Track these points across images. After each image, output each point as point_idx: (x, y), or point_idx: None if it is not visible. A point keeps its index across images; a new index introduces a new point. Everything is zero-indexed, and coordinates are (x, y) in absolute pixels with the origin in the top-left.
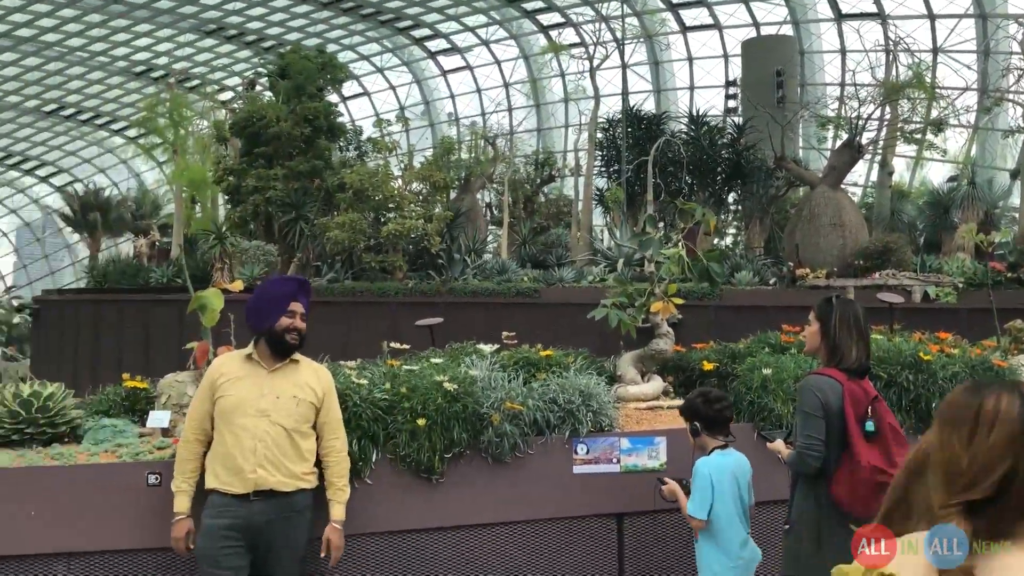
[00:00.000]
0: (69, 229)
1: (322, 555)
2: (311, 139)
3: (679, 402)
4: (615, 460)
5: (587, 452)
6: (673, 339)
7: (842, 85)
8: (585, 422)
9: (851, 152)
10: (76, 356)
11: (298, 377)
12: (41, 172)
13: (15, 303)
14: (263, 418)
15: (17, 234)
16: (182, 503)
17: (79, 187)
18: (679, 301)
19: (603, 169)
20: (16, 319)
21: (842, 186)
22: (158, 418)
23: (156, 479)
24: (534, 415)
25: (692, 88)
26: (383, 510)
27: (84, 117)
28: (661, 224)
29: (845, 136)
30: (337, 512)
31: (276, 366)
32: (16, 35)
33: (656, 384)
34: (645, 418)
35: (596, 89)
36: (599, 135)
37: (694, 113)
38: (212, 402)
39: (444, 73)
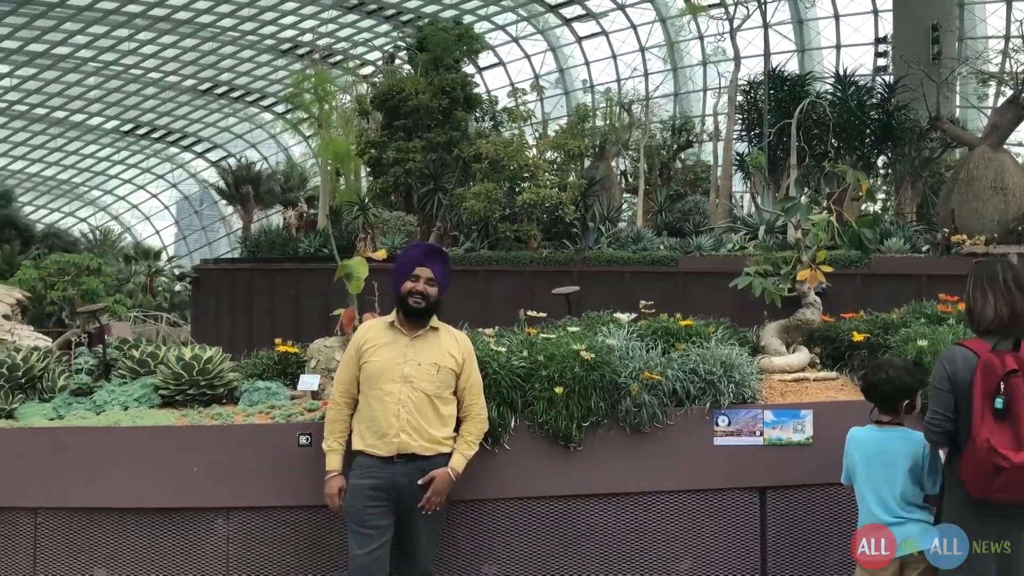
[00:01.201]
0: (224, 202)
1: (420, 482)
2: (448, 111)
3: (826, 374)
4: (758, 433)
5: (729, 424)
6: (821, 309)
7: (1007, 37)
8: (727, 393)
9: (1016, 109)
10: (232, 322)
11: (439, 344)
12: (198, 148)
13: (177, 272)
14: (405, 384)
15: (177, 207)
16: (334, 461)
17: (232, 162)
18: (827, 269)
19: (743, 133)
20: (178, 287)
21: (1005, 146)
22: (308, 382)
23: (307, 440)
24: (673, 385)
25: (838, 47)
26: (520, 476)
27: (236, 94)
28: (806, 189)
29: (1009, 92)
30: (457, 461)
31: (417, 333)
32: (175, 18)
33: (802, 355)
34: (791, 390)
35: (736, 51)
36: (739, 98)
37: (841, 72)
38: (358, 367)
39: (579, 40)
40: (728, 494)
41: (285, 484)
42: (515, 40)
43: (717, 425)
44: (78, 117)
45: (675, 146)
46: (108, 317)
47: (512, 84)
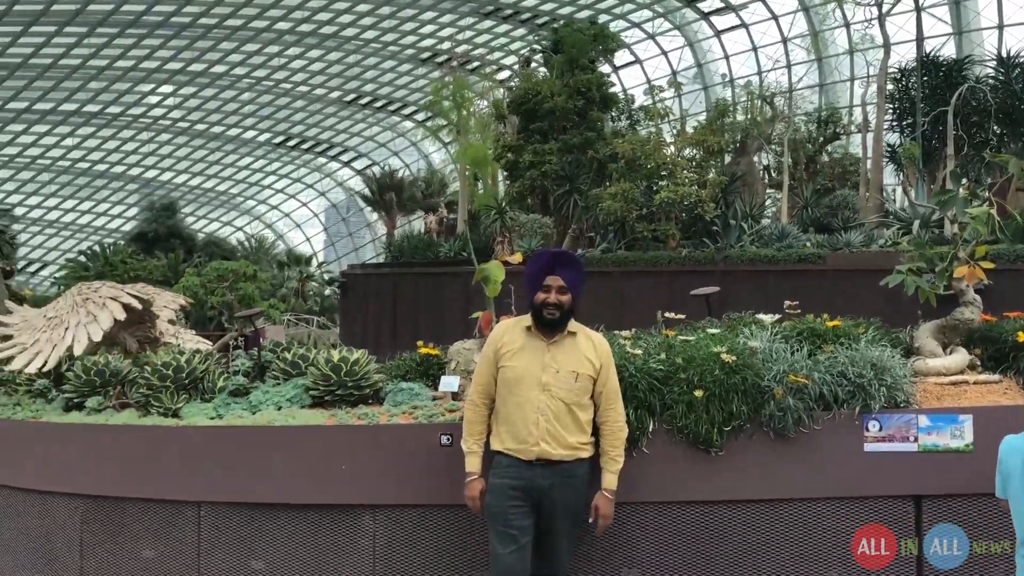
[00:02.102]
0: (369, 209)
1: (589, 520)
2: (584, 111)
3: (988, 377)
4: (912, 439)
5: (880, 429)
6: (980, 307)
7: None
8: (878, 397)
9: None
10: (377, 325)
11: (576, 350)
12: (344, 157)
13: (326, 277)
14: (544, 392)
15: (326, 215)
16: (473, 463)
17: (376, 170)
18: (988, 265)
19: (895, 123)
20: (327, 291)
21: None
22: (449, 383)
23: (448, 440)
24: (820, 389)
25: (1001, 27)
26: (659, 480)
27: (379, 104)
28: (964, 180)
29: None
30: (608, 481)
31: (554, 338)
32: (320, 33)
33: (960, 357)
34: (947, 394)
35: (886, 37)
36: (890, 87)
37: (1004, 55)
38: (495, 368)
39: (718, 33)
40: (880, 502)
41: (427, 483)
42: (651, 37)
43: (867, 430)
44: (234, 131)
45: (821, 139)
46: (263, 321)
47: (649, 81)
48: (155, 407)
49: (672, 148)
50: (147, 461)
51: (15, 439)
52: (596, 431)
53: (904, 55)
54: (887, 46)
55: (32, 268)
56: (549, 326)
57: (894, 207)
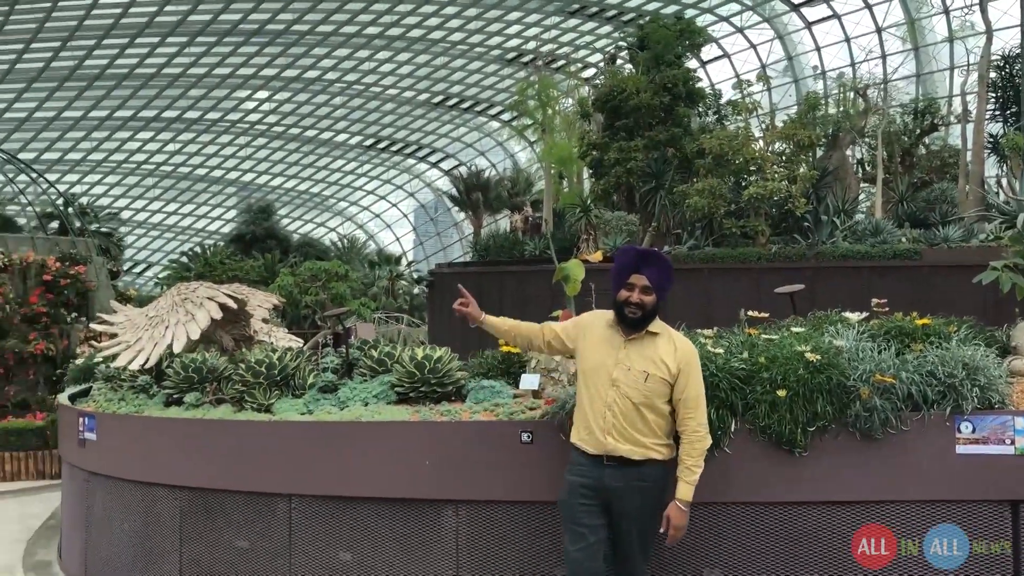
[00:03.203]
0: (456, 208)
1: (661, 530)
2: (670, 107)
3: None
4: (1008, 441)
5: (973, 431)
6: None
7: None
8: (970, 398)
9: None
10: (464, 323)
11: (654, 351)
12: (432, 158)
13: (415, 276)
14: (613, 387)
15: (415, 215)
16: (491, 317)
17: (463, 170)
18: None
19: (997, 113)
20: (416, 290)
21: None
22: (530, 381)
23: (528, 437)
24: (908, 389)
25: None
26: (741, 480)
27: (465, 105)
28: None
29: None
30: (683, 491)
31: (633, 336)
32: (409, 36)
33: None
34: None
35: (988, 23)
36: (992, 75)
37: None
38: (569, 337)
39: (808, 25)
40: (973, 506)
41: (508, 479)
42: (739, 31)
43: (960, 432)
44: (326, 135)
45: (918, 131)
46: (354, 319)
47: (737, 76)
48: (249, 403)
49: (761, 143)
50: (241, 455)
51: (120, 432)
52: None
53: (1008, 41)
54: (989, 32)
55: (137, 269)
56: (630, 325)
57: (996, 200)
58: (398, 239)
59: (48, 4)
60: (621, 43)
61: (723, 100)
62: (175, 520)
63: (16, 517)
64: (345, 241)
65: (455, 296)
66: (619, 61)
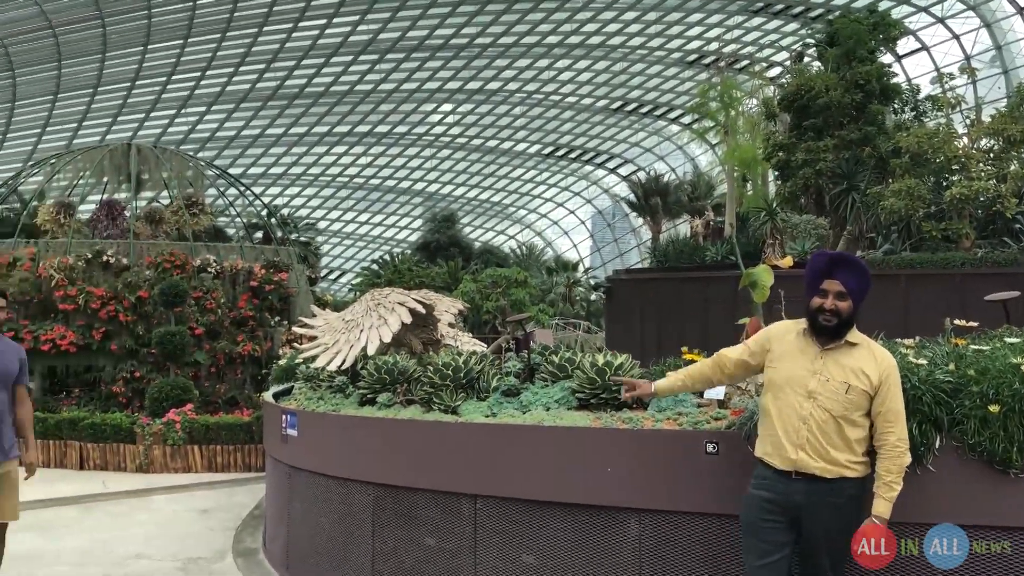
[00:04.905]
0: (634, 214)
1: (854, 549)
2: (862, 105)
3: None
4: None
5: None
6: None
7: None
8: None
9: None
10: (642, 329)
11: (853, 361)
12: (610, 164)
13: (592, 283)
14: (809, 400)
15: (592, 221)
16: (662, 382)
17: (641, 175)
18: None
19: None
20: (593, 296)
21: None
22: (715, 391)
23: (713, 448)
24: None
25: None
26: (946, 501)
27: (644, 110)
28: None
29: None
30: (881, 507)
31: (829, 346)
32: (588, 43)
33: None
34: None
35: None
36: None
37: None
38: (752, 355)
39: (1021, 11)
40: None
41: (692, 490)
42: (940, 21)
43: None
44: (507, 144)
45: None
46: (533, 325)
47: (937, 69)
48: (436, 404)
49: (965, 140)
50: (429, 454)
51: (319, 429)
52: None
53: None
54: None
55: (333, 276)
56: (825, 334)
57: None
58: (575, 246)
59: (254, 31)
60: (809, 40)
61: (921, 95)
62: (368, 515)
63: (227, 506)
64: (524, 248)
65: (631, 302)
66: (806, 59)
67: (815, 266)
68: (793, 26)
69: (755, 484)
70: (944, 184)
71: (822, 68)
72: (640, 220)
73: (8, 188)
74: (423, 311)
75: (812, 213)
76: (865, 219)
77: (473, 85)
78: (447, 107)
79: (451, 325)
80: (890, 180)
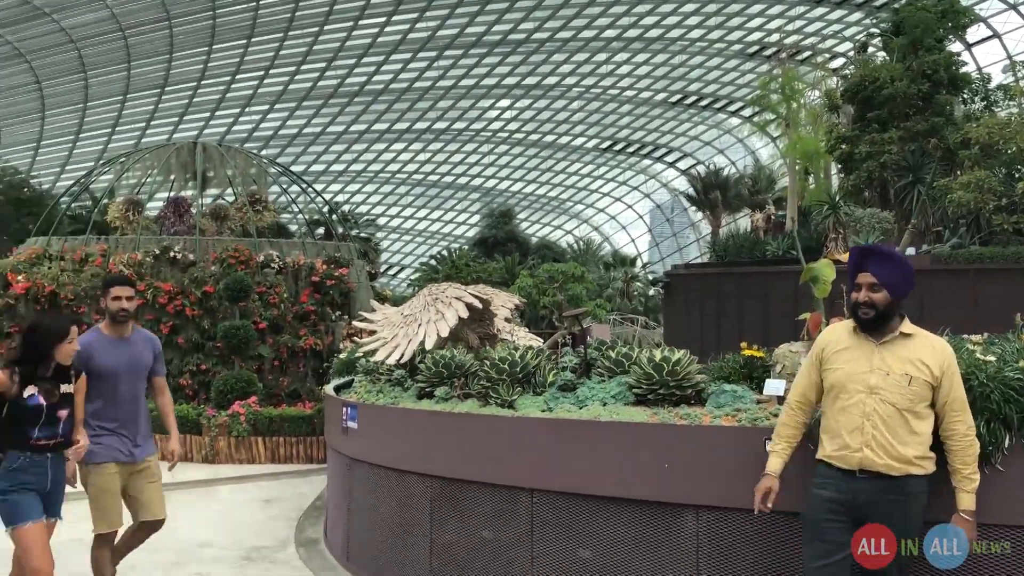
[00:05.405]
0: (693, 208)
1: (928, 548)
2: (929, 95)
3: None
4: None
5: None
6: None
7: None
8: None
9: None
10: (701, 325)
11: (911, 352)
12: (669, 158)
13: (650, 278)
14: (872, 395)
15: (650, 216)
16: (773, 464)
17: (701, 169)
18: None
19: None
20: (651, 292)
21: None
22: (774, 386)
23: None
24: None
25: None
26: (1016, 502)
27: (704, 103)
28: None
29: None
30: (965, 501)
31: (884, 339)
32: (647, 37)
33: None
34: None
35: None
36: None
37: None
38: (818, 372)
39: None
40: None
41: (750, 487)
42: (1013, 7)
43: None
44: (564, 139)
45: None
46: (590, 320)
47: (1009, 57)
48: (493, 398)
49: None
50: (486, 447)
51: (378, 422)
52: (937, 446)
53: None
54: None
55: (392, 271)
56: (865, 326)
57: None
58: (633, 240)
59: (315, 30)
60: (873, 30)
61: (992, 84)
62: (425, 507)
63: (289, 496)
64: (581, 243)
65: (690, 297)
66: (871, 49)
67: (850, 262)
68: (857, 16)
69: (818, 483)
70: (1016, 176)
71: (887, 58)
72: (699, 214)
73: (80, 186)
74: (480, 306)
75: (876, 207)
76: (931, 212)
77: (531, 80)
78: (505, 102)
79: (508, 320)
80: (958, 172)
